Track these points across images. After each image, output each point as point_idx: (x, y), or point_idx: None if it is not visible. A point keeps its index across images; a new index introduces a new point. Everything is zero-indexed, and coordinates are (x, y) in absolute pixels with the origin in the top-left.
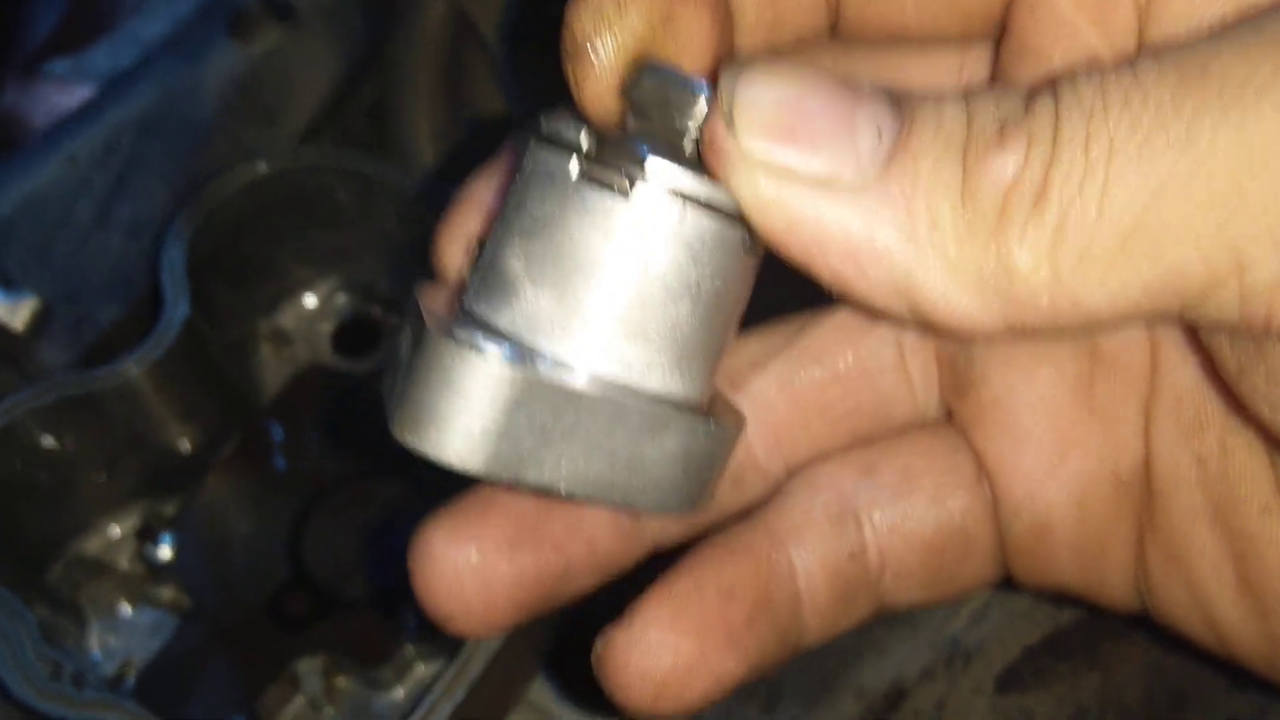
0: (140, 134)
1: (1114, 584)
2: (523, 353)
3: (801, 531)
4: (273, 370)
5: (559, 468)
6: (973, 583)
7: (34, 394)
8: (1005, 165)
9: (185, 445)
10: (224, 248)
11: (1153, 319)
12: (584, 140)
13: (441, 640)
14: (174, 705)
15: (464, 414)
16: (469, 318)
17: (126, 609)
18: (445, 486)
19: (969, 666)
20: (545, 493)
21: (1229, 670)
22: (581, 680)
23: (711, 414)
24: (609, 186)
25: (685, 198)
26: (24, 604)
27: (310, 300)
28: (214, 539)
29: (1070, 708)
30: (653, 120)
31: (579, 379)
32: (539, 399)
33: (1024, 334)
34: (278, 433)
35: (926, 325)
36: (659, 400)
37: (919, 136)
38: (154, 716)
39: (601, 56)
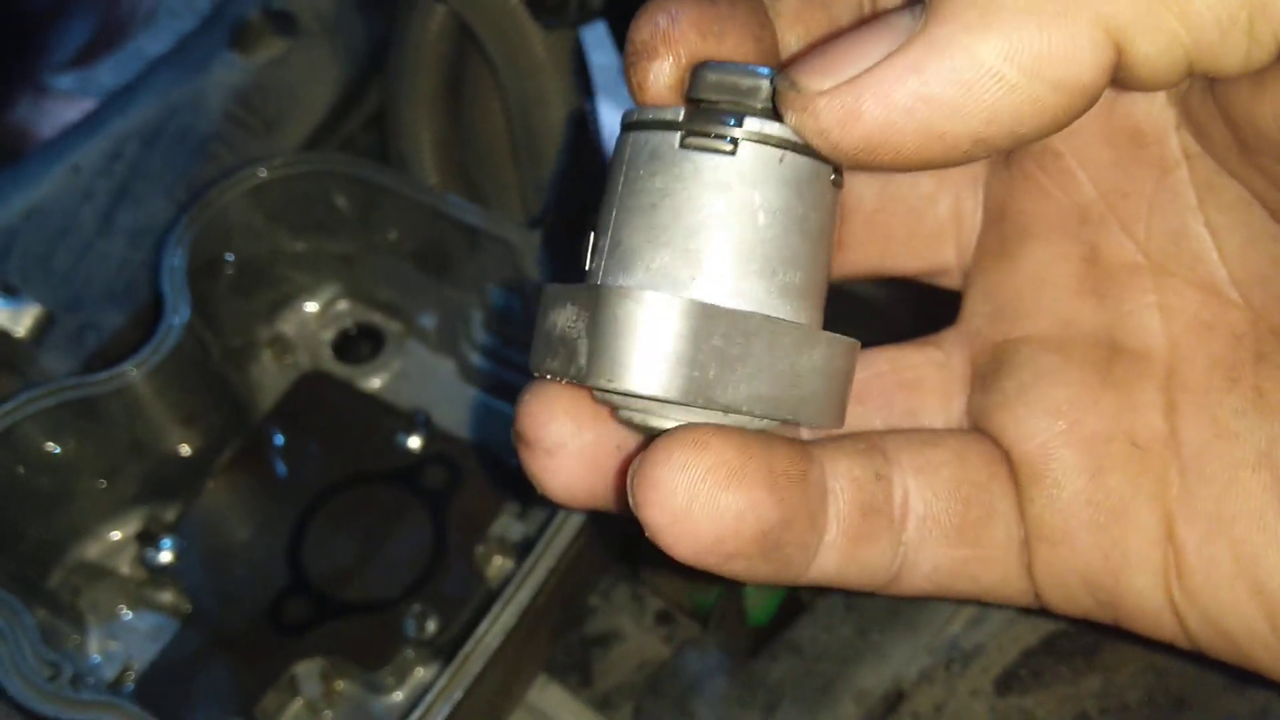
0: (143, 144)
1: (1140, 578)
2: (683, 299)
3: (829, 450)
4: (273, 377)
5: (740, 389)
6: (1000, 559)
7: (34, 398)
8: None
9: (186, 450)
10: (224, 253)
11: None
12: (680, 115)
13: (440, 644)
14: (173, 709)
15: (656, 350)
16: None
17: (127, 613)
18: (441, 494)
19: (967, 669)
20: (728, 412)
21: (1230, 670)
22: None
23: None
24: (714, 148)
25: (782, 143)
26: (24, 606)
27: (311, 307)
28: (214, 544)
29: (1070, 710)
30: (721, 103)
31: (730, 308)
32: (715, 326)
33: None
34: (278, 439)
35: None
36: (797, 325)
37: None
38: (153, 718)
39: (661, 63)
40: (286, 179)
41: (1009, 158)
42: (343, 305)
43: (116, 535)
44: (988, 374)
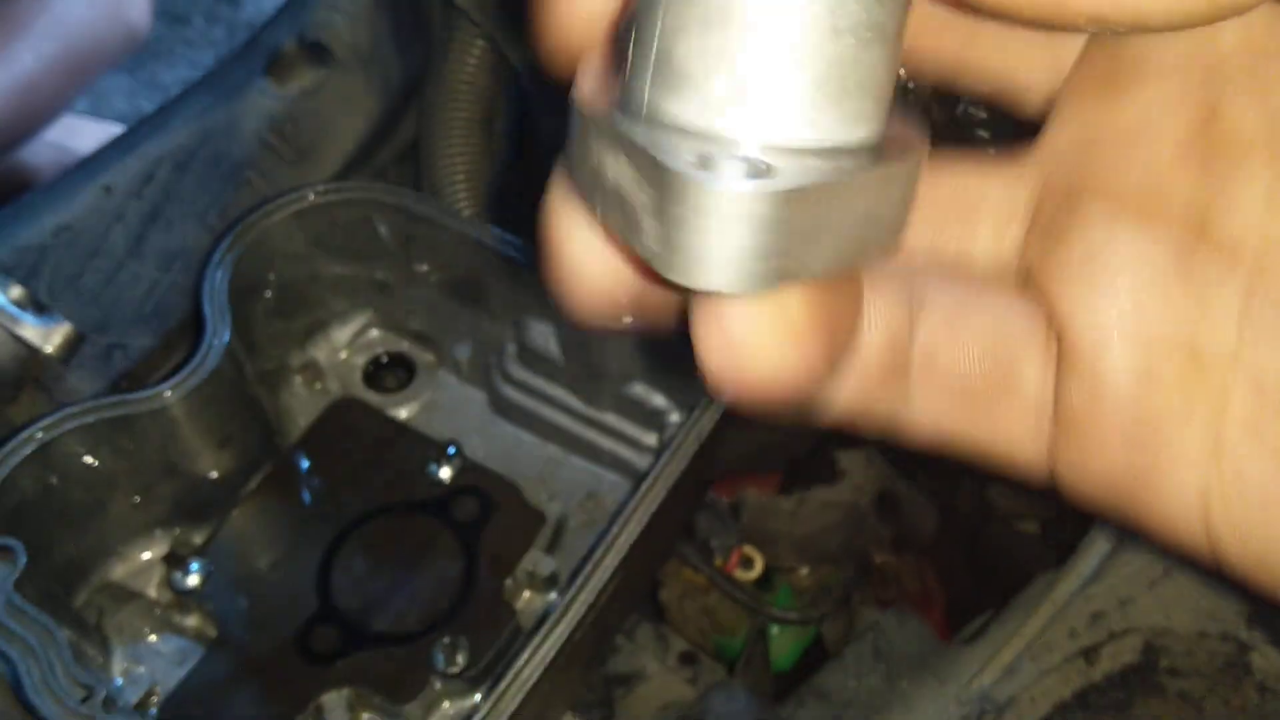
0: (176, 167)
1: (1175, 498)
2: (763, 166)
3: (869, 286)
4: (304, 402)
5: (818, 259)
6: (1015, 433)
7: (72, 414)
8: None
9: (216, 473)
10: (265, 276)
11: None
12: None
13: (469, 677)
14: None
15: (740, 248)
16: (660, 123)
17: (152, 636)
18: (471, 526)
19: None
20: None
21: None
22: None
23: (898, 141)
24: None
25: None
26: (57, 625)
27: (344, 334)
28: (242, 569)
29: None
30: None
31: (815, 168)
32: (801, 210)
33: None
34: (307, 465)
35: None
36: (871, 149)
37: None
38: None
39: None
40: (331, 205)
41: None
42: (375, 333)
43: (144, 556)
44: (1054, 220)
